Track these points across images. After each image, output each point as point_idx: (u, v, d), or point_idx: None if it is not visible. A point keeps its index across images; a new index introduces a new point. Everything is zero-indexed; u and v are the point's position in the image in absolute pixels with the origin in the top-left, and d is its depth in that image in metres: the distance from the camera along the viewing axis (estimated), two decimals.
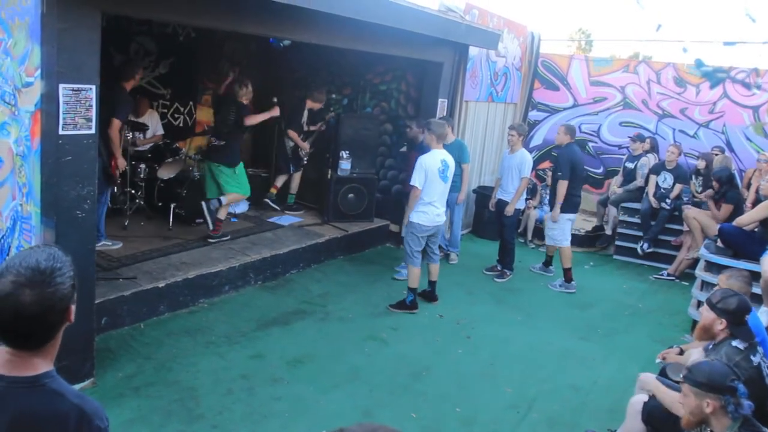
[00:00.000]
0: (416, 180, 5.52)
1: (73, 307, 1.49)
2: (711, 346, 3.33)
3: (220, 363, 4.41)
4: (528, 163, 6.65)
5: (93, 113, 3.65)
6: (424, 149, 6.05)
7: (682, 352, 3.84)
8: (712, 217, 6.93)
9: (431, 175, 5.51)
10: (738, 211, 6.44)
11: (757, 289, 5.05)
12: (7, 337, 1.42)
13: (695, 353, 3.40)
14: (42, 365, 1.45)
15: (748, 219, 5.53)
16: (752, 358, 3.13)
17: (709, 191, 7.06)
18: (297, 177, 7.91)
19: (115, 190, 6.30)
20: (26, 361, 1.43)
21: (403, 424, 3.85)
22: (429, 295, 5.97)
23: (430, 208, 5.57)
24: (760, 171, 7.31)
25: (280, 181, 7.86)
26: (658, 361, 3.94)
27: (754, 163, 8.11)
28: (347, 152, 7.42)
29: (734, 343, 3.15)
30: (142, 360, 4.35)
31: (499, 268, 6.99)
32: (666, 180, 7.81)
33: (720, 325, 3.23)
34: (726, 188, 6.80)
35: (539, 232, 8.42)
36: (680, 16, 41.53)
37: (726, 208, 6.76)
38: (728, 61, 8.92)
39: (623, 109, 9.77)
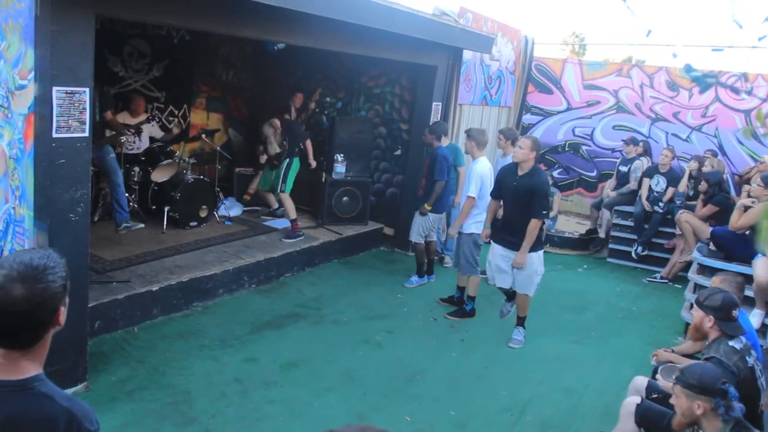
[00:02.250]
0: (473, 189, 5.53)
1: (64, 310, 1.49)
2: (706, 346, 3.36)
3: (214, 366, 4.40)
4: None
5: (87, 116, 3.65)
6: (434, 154, 6.18)
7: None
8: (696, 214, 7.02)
9: (486, 183, 5.55)
10: (723, 214, 6.46)
11: (749, 293, 5.10)
12: None
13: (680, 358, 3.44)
14: (31, 368, 1.45)
15: (743, 222, 5.56)
16: (747, 359, 3.17)
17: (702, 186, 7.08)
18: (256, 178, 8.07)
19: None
20: (15, 363, 1.43)
21: (398, 427, 3.85)
22: (459, 300, 5.94)
23: (482, 216, 5.56)
24: (760, 172, 7.35)
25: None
26: (653, 361, 3.97)
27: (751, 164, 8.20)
28: (342, 155, 7.43)
29: (731, 342, 3.18)
30: (136, 364, 4.33)
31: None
32: (659, 183, 7.85)
33: (709, 322, 3.27)
34: (714, 190, 6.84)
35: None
36: (671, 21, 41.81)
37: (709, 209, 6.82)
38: (718, 66, 8.97)
39: (616, 112, 9.83)
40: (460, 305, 5.84)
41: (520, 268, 5.05)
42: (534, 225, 4.87)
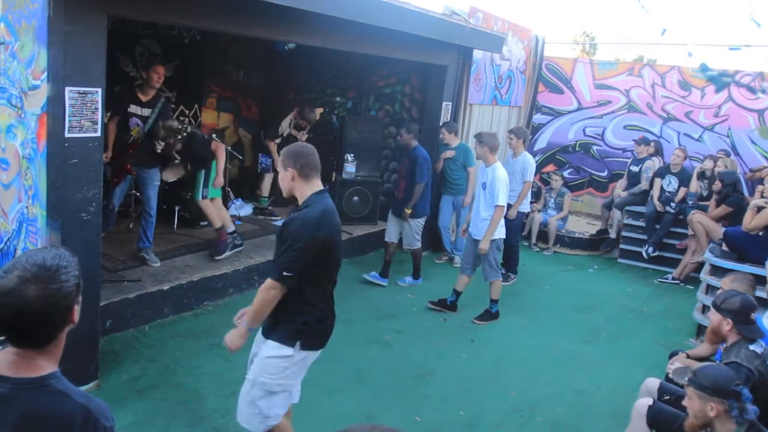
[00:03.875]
0: (503, 198, 5.42)
1: (77, 308, 1.50)
2: (724, 349, 3.33)
3: (224, 365, 4.42)
4: (530, 167, 6.64)
5: (99, 116, 3.67)
6: (414, 154, 6.09)
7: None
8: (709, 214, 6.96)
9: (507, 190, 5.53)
10: (737, 215, 6.41)
11: (761, 293, 5.05)
12: (11, 334, 1.43)
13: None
14: (47, 366, 1.46)
15: (757, 223, 5.51)
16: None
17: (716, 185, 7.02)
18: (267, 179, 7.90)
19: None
20: (31, 362, 1.44)
21: (407, 427, 3.85)
22: (452, 305, 5.88)
23: (502, 220, 5.59)
24: None
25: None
26: (669, 369, 3.92)
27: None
28: (352, 155, 7.44)
29: (751, 347, 3.15)
30: (146, 362, 4.36)
31: (503, 271, 6.98)
32: (671, 183, 7.79)
33: (727, 325, 3.23)
34: (728, 190, 6.78)
35: (543, 235, 8.43)
36: (685, 19, 41.50)
37: (723, 209, 6.76)
38: (733, 65, 8.91)
39: (628, 112, 9.76)
40: (452, 309, 5.82)
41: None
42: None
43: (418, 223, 6.32)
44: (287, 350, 2.87)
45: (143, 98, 5.38)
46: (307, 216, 2.73)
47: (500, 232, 5.61)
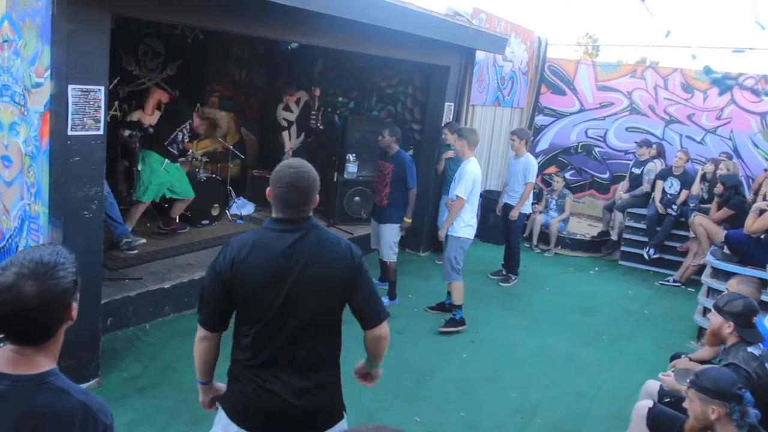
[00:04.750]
0: (463, 190, 5.25)
1: (75, 305, 1.50)
2: (722, 351, 3.33)
3: (224, 365, 4.40)
4: (532, 168, 6.63)
5: (101, 114, 3.68)
6: (400, 159, 5.67)
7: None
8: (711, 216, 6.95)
9: (477, 186, 5.33)
10: (739, 218, 6.40)
11: (766, 297, 5.05)
12: (9, 331, 1.43)
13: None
14: (45, 363, 1.46)
15: (758, 226, 5.50)
16: (766, 365, 3.13)
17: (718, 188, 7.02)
18: None
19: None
20: (30, 359, 1.44)
21: (407, 428, 3.83)
22: (451, 306, 5.65)
23: (474, 220, 5.42)
24: None
25: None
26: (670, 370, 3.91)
27: (762, 169, 8.09)
28: (354, 155, 7.44)
29: (750, 349, 3.15)
30: (147, 360, 4.36)
31: (504, 272, 6.99)
32: (673, 186, 7.79)
33: (728, 328, 3.23)
34: (730, 193, 6.78)
35: (545, 237, 8.42)
36: (689, 22, 41.50)
37: (724, 212, 6.75)
38: (737, 68, 8.90)
39: (630, 114, 9.76)
40: (451, 310, 5.61)
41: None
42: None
43: (394, 231, 5.76)
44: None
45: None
46: (226, 243, 2.24)
47: (468, 232, 5.38)
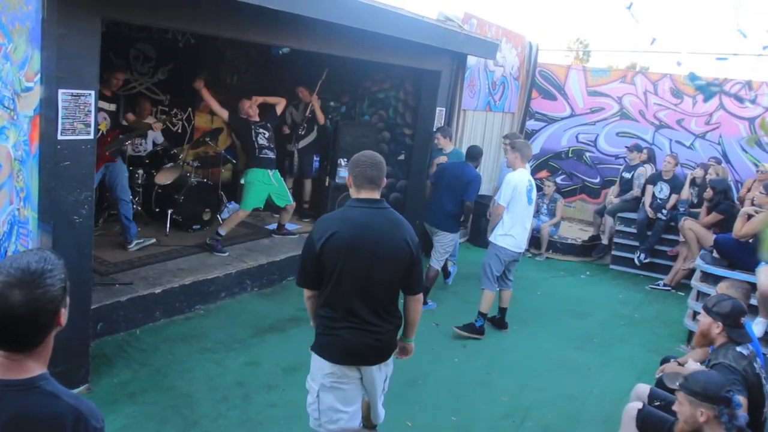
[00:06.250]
0: (503, 197, 5.26)
1: (65, 311, 1.50)
2: (711, 351, 3.36)
3: (216, 370, 4.40)
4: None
5: (92, 119, 3.66)
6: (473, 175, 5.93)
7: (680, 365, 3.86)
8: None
9: (518, 194, 5.24)
10: (728, 222, 6.45)
11: (754, 301, 5.09)
12: None
13: (693, 364, 3.42)
14: (36, 368, 1.46)
15: (747, 230, 5.55)
16: (754, 365, 3.17)
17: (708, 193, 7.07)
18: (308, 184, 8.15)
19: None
20: (20, 364, 1.44)
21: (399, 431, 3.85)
22: (499, 322, 5.73)
23: (516, 230, 5.30)
24: (760, 182, 7.34)
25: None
26: (657, 375, 3.94)
27: (753, 173, 8.16)
28: (345, 160, 7.44)
29: (738, 348, 3.18)
30: (138, 366, 4.34)
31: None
32: (663, 190, 7.84)
33: (717, 328, 3.26)
34: (719, 198, 6.83)
35: (536, 241, 8.45)
36: (676, 28, 41.86)
37: (714, 216, 6.80)
38: (722, 74, 8.97)
39: (620, 119, 9.83)
40: (501, 325, 5.70)
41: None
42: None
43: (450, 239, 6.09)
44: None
45: (108, 93, 5.70)
46: (318, 220, 2.91)
47: (506, 242, 5.31)
